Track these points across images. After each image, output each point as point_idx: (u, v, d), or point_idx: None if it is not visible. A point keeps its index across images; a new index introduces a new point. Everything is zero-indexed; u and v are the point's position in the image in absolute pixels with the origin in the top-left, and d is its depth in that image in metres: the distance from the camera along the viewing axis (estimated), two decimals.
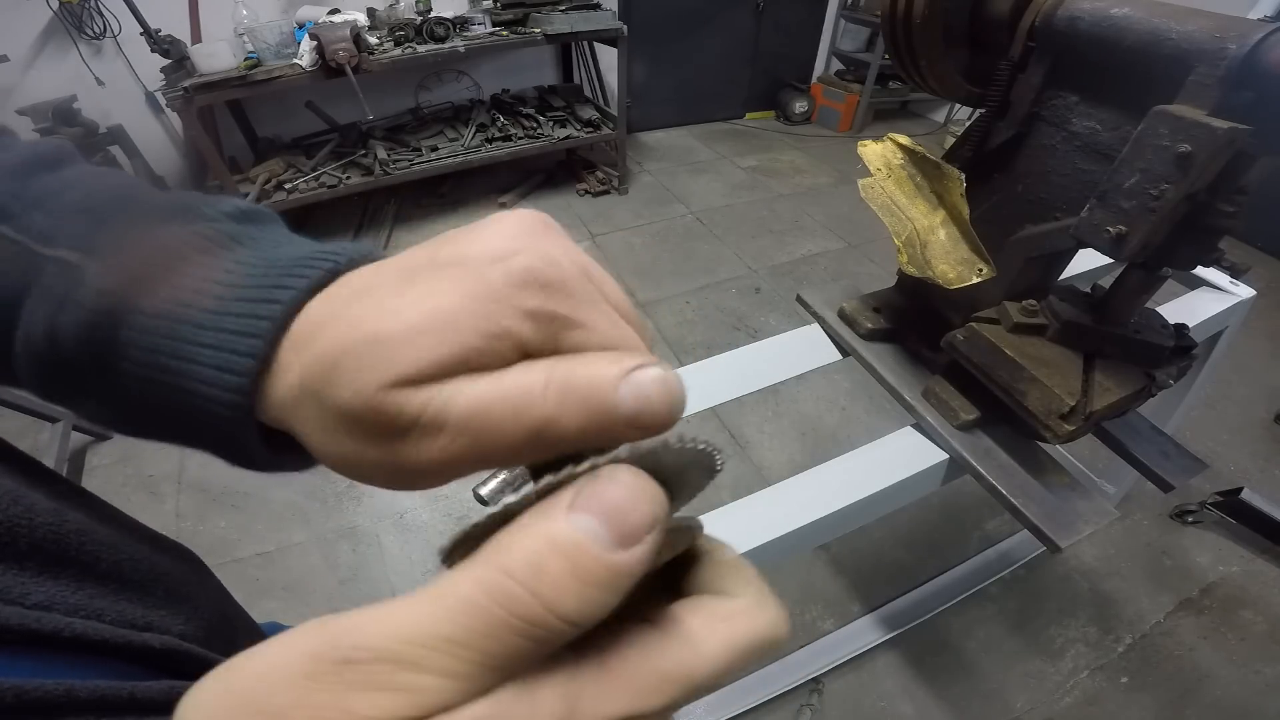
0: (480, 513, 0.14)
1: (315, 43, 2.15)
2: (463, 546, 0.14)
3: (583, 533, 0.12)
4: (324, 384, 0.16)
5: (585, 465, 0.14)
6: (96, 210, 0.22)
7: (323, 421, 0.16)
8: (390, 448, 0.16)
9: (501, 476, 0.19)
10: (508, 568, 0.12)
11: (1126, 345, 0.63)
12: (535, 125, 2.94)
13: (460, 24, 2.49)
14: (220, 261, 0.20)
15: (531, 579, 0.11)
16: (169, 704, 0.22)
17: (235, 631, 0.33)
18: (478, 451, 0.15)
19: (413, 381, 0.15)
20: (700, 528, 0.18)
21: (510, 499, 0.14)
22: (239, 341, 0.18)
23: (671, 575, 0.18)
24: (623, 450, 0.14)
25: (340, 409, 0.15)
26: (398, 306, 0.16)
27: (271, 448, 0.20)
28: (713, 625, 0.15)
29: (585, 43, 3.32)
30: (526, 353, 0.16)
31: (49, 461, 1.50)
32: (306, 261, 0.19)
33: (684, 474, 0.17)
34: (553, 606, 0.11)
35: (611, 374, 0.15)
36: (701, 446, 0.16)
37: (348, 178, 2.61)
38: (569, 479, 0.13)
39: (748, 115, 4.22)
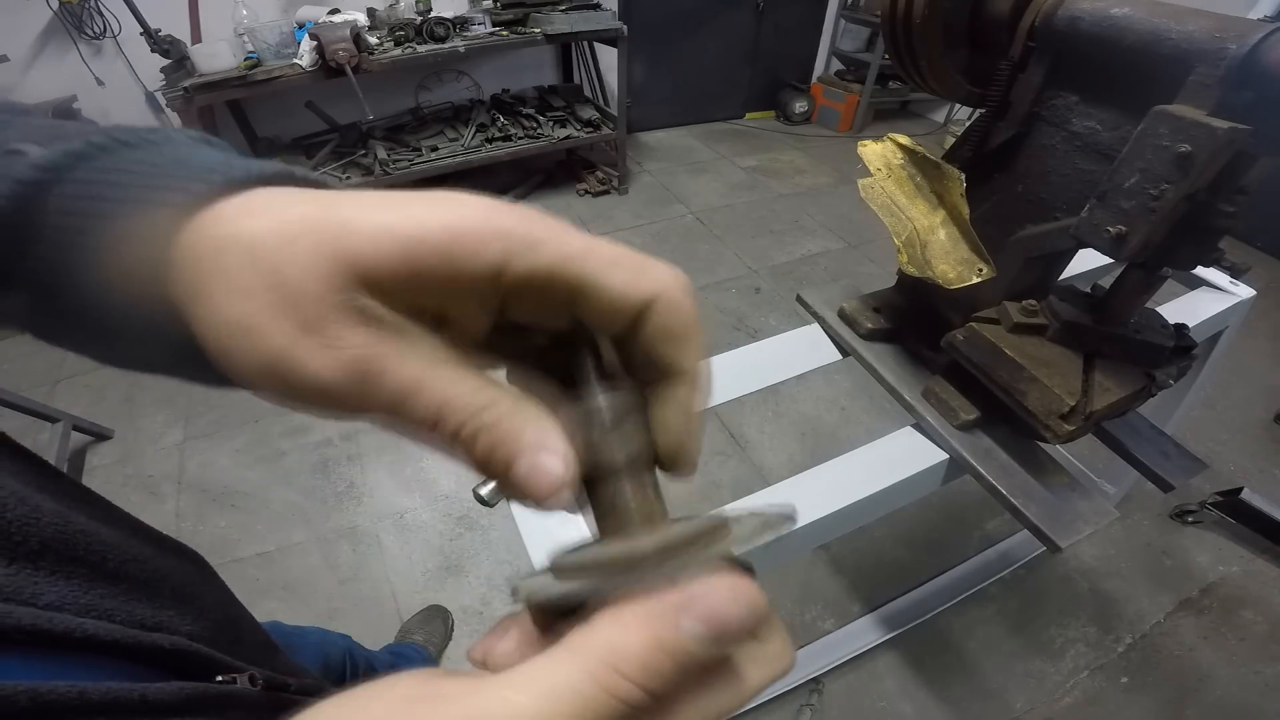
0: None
1: (315, 43, 2.15)
2: (545, 610, 0.17)
3: (690, 638, 0.14)
4: (286, 253, 0.16)
5: (663, 563, 0.15)
6: (60, 128, 0.22)
7: (249, 289, 0.16)
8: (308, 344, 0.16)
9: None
10: (620, 667, 0.13)
11: (1126, 345, 0.63)
12: (535, 125, 2.94)
13: (460, 24, 2.49)
14: (162, 150, 0.20)
15: (642, 675, 0.13)
16: (179, 705, 0.22)
17: (240, 631, 0.33)
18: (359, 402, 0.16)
19: (377, 289, 0.16)
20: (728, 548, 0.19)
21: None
22: (164, 193, 0.18)
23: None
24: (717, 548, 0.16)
25: (294, 284, 0.15)
26: (379, 206, 0.17)
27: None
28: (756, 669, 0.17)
29: (585, 43, 3.32)
30: (498, 271, 0.17)
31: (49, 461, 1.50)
32: (264, 164, 0.20)
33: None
34: (653, 692, 0.14)
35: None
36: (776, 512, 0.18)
37: (348, 178, 2.61)
38: (647, 561, 0.15)
39: (748, 115, 4.22)
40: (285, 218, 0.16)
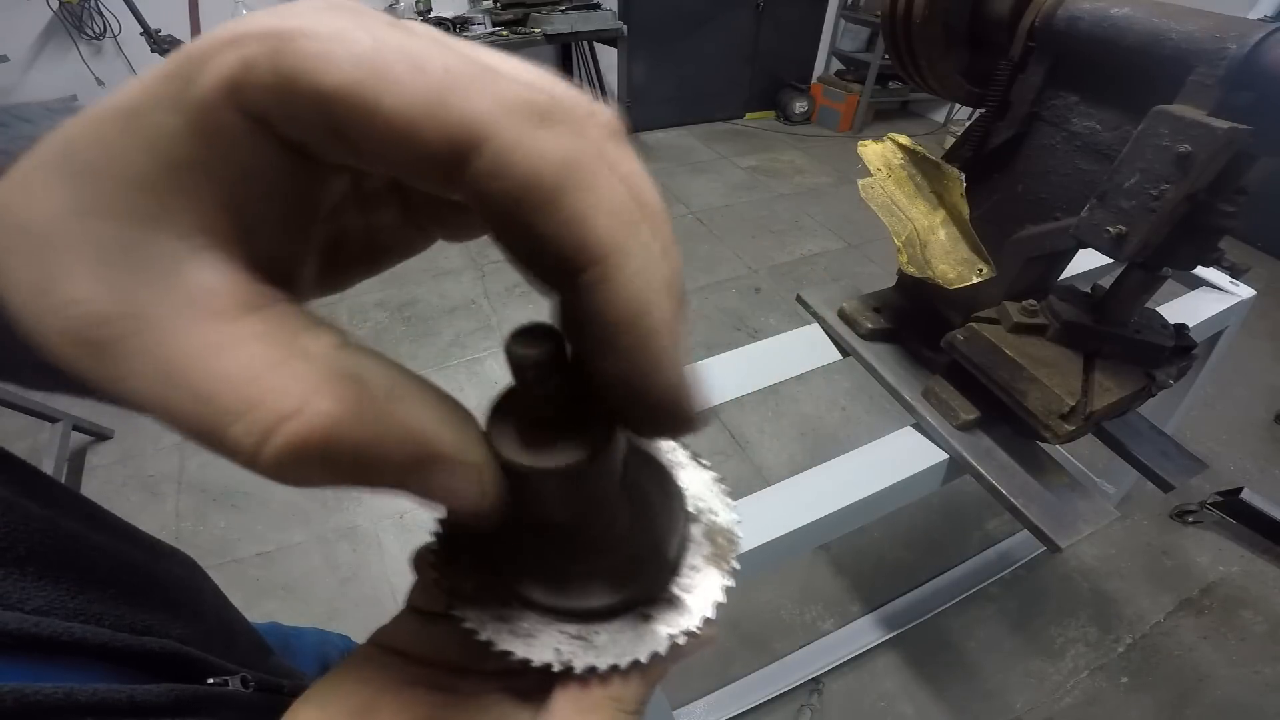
0: None
1: None
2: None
3: None
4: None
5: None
6: None
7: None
8: None
9: None
10: None
11: (1126, 345, 0.63)
12: None
13: (460, 24, 2.49)
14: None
15: None
16: (168, 707, 0.22)
17: (233, 635, 0.33)
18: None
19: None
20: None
21: None
22: None
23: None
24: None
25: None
26: None
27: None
28: None
29: (585, 43, 3.32)
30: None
31: (49, 461, 1.50)
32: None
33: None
34: None
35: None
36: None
37: None
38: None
39: (748, 115, 4.22)
40: (22, 166, 0.11)
